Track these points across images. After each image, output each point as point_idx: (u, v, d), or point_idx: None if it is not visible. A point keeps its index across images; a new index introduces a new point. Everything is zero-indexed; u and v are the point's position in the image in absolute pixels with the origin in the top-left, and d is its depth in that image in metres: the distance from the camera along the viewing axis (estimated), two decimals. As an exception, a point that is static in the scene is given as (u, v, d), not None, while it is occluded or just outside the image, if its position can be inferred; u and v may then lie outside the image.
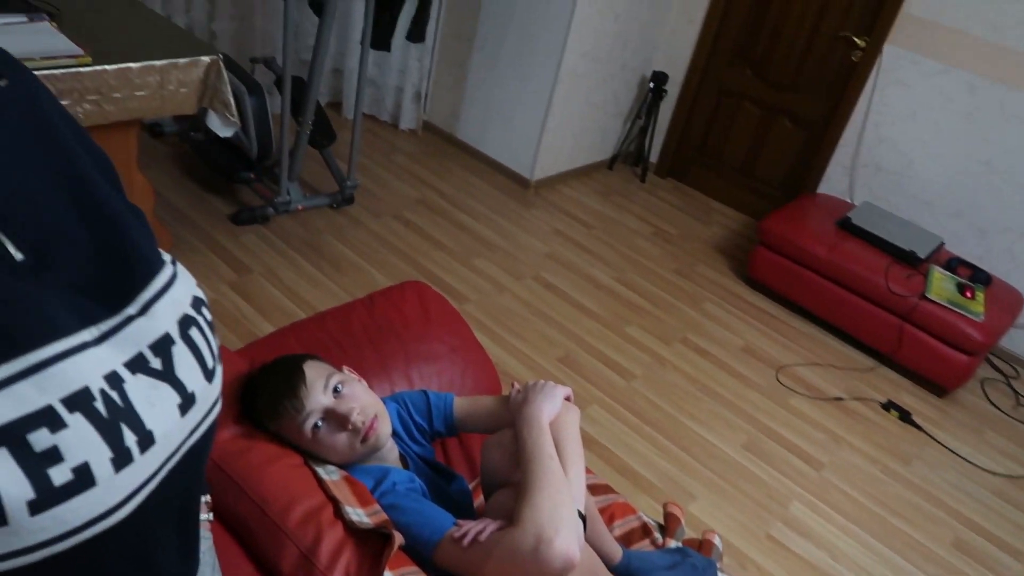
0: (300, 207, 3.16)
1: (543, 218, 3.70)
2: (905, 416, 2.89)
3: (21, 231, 0.52)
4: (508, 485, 1.18)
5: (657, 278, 3.41)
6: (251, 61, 3.33)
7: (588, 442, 2.42)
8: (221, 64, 2.25)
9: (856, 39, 3.47)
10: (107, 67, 2.03)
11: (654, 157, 4.35)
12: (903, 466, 2.68)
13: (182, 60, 2.15)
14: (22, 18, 2.15)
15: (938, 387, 3.06)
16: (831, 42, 3.56)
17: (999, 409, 3.11)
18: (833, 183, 3.72)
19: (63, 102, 2.07)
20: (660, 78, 4.00)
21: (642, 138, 4.23)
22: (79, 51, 2.01)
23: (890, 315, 3.04)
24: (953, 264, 3.14)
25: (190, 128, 3.21)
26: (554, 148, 3.86)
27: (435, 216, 3.47)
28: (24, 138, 0.56)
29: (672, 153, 4.30)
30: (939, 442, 2.83)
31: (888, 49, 3.37)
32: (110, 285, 0.56)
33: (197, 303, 0.63)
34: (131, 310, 0.57)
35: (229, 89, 2.28)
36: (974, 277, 3.10)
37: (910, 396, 3.05)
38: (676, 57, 4.07)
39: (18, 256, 0.52)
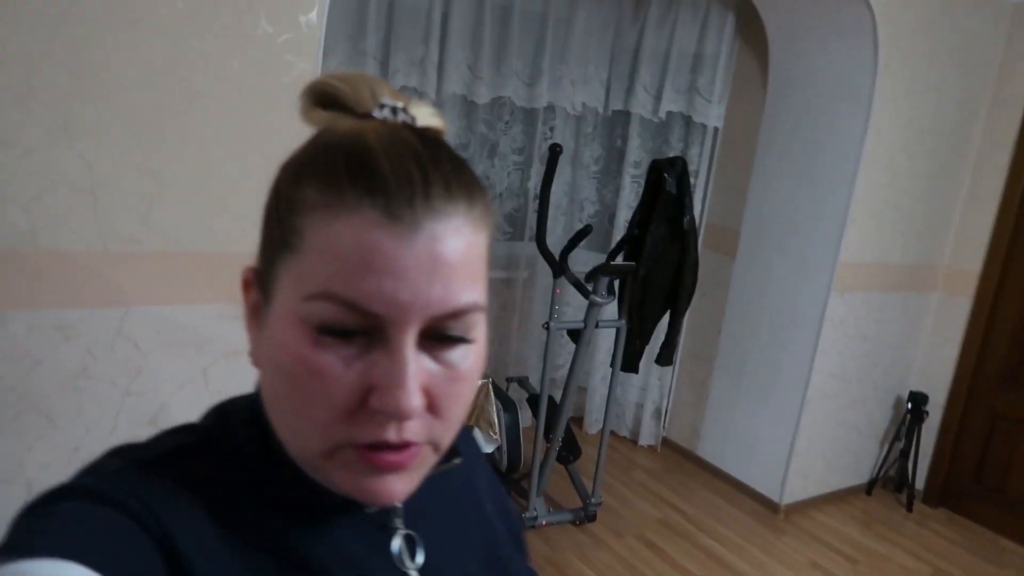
0: (544, 522, 3.17)
1: (797, 547, 3.38)
2: None
3: None
4: None
5: (946, 631, 2.89)
6: (507, 380, 3.63)
7: None
8: (491, 388, 2.47)
9: None
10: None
11: (919, 483, 3.93)
12: None
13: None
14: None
15: None
16: None
17: None
18: None
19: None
20: (919, 399, 3.75)
21: (904, 462, 3.88)
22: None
23: None
24: None
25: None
26: (804, 471, 3.64)
27: (678, 538, 3.31)
28: (458, 508, 0.64)
29: (942, 480, 3.87)
30: None
31: None
32: None
33: None
34: None
35: (495, 410, 2.48)
36: None
37: None
38: (935, 377, 3.84)
39: None
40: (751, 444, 3.74)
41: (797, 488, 3.65)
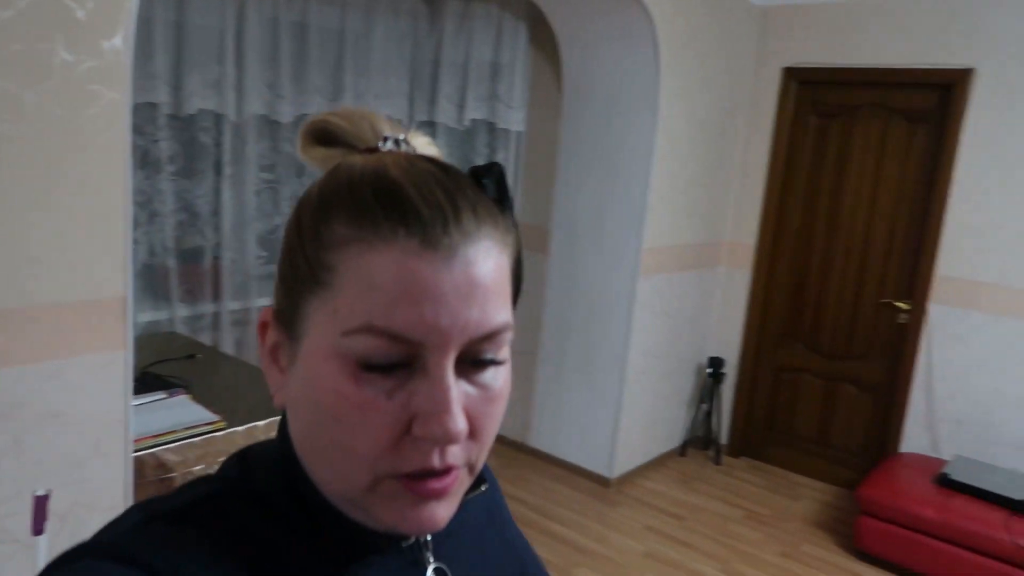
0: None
1: (631, 515, 3.64)
2: None
3: None
4: None
5: (764, 564, 3.27)
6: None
7: None
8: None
9: (898, 304, 3.70)
10: (237, 428, 2.21)
11: (724, 438, 4.39)
12: None
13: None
14: (162, 395, 2.38)
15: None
16: (875, 309, 3.80)
17: None
18: (914, 441, 3.70)
19: (198, 467, 2.22)
20: (717, 363, 4.19)
21: (709, 421, 4.31)
22: (214, 417, 2.20)
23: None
24: (1072, 508, 3.02)
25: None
26: (629, 444, 3.93)
27: (524, 528, 3.42)
28: (484, 537, 0.65)
29: (741, 432, 4.35)
30: None
31: (934, 308, 3.58)
32: None
33: None
34: None
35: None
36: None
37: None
38: (728, 342, 4.31)
39: None
40: (579, 427, 3.97)
41: (624, 461, 3.93)
